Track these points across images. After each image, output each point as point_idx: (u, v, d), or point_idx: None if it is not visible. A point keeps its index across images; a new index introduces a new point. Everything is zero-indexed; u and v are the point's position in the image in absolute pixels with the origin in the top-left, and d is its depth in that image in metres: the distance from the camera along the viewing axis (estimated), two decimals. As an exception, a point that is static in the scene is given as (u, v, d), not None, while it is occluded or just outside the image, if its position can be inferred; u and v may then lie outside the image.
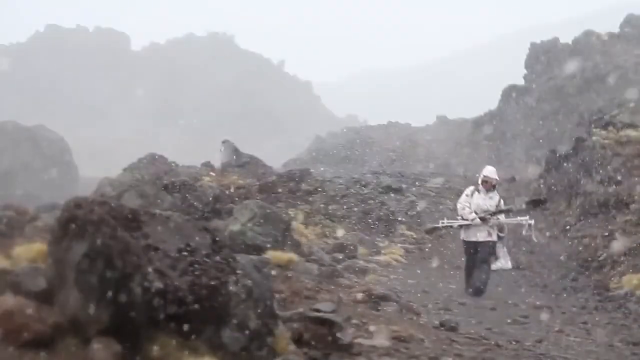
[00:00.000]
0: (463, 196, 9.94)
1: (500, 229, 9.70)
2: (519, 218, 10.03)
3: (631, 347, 5.89)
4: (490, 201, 9.68)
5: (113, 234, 2.95)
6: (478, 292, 9.25)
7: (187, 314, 3.01)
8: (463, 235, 9.83)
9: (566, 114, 37.61)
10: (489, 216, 9.49)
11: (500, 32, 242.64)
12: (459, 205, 9.85)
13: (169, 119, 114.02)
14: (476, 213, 9.56)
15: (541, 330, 6.71)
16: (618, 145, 17.70)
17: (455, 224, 10.01)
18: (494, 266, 9.68)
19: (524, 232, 10.12)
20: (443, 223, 10.43)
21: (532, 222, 9.89)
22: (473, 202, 9.67)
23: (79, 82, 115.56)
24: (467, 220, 9.62)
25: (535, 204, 10.67)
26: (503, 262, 9.69)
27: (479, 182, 9.79)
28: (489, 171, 9.85)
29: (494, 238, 9.60)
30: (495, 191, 9.87)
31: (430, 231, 11.92)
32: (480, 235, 9.53)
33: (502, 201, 9.80)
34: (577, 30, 49.30)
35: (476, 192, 9.75)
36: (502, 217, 9.75)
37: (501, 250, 9.70)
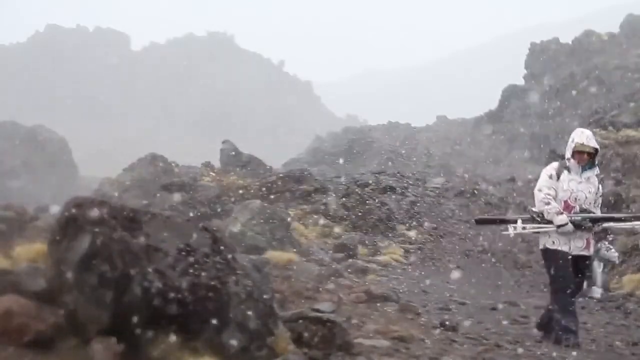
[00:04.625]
0: (543, 178, 5.98)
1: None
2: (636, 223, 6.42)
3: (631, 347, 5.89)
4: (587, 186, 5.92)
5: (113, 234, 2.95)
6: (567, 331, 5.67)
7: (187, 314, 3.01)
8: (545, 240, 5.92)
9: (566, 114, 37.60)
10: (590, 223, 5.84)
11: (500, 32, 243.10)
12: (538, 195, 5.94)
13: (169, 119, 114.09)
14: (568, 204, 5.85)
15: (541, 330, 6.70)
16: (618, 145, 17.74)
17: (529, 228, 6.06)
18: (594, 293, 6.11)
19: None
20: (514, 228, 6.12)
21: None
22: (560, 187, 5.90)
23: (79, 82, 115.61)
24: (551, 224, 5.83)
25: None
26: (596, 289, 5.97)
27: (568, 154, 5.95)
28: (585, 136, 5.90)
29: (591, 251, 6.14)
30: (595, 168, 6.04)
31: (481, 222, 8.17)
32: (576, 245, 5.84)
33: (601, 187, 6.19)
34: (577, 30, 49.40)
35: (565, 172, 5.93)
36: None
37: (598, 269, 6.14)
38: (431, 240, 15.90)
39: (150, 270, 2.97)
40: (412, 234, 16.35)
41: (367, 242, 13.34)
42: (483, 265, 13.37)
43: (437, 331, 5.61)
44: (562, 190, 5.87)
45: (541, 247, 6.01)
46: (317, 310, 4.43)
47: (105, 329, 2.83)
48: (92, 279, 2.86)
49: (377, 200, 17.13)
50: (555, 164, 6.08)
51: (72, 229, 2.99)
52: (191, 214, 13.15)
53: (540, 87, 43.43)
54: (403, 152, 43.57)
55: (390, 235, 15.40)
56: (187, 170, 21.64)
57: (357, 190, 18.02)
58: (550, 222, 5.79)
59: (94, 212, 3.00)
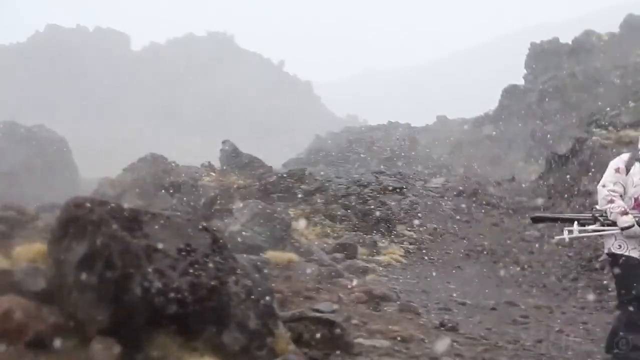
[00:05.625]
0: (609, 171, 5.01)
1: None
2: None
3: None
4: None
5: (113, 234, 2.95)
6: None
7: (187, 314, 3.01)
8: (611, 244, 4.89)
9: (566, 114, 37.59)
10: None
11: (500, 32, 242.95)
12: (601, 192, 4.94)
13: (169, 119, 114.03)
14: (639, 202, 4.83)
15: (541, 330, 6.72)
16: (618, 145, 17.73)
17: (590, 231, 4.98)
18: None
19: None
20: (570, 232, 4.98)
21: None
22: (629, 182, 4.92)
23: (79, 82, 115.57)
24: (615, 225, 4.78)
25: None
26: None
27: None
28: None
29: None
30: None
31: (538, 220, 6.31)
32: None
33: None
34: (577, 30, 49.37)
35: (636, 164, 4.93)
36: None
37: None
38: (431, 240, 15.89)
39: (150, 270, 2.97)
40: (412, 234, 16.35)
41: (367, 242, 13.32)
42: (483, 265, 13.36)
43: (437, 331, 5.62)
44: (632, 185, 4.89)
45: (606, 251, 5.02)
46: (317, 310, 4.44)
47: (105, 329, 2.83)
48: (92, 279, 2.86)
49: (377, 200, 17.12)
50: (625, 156, 5.08)
51: (72, 229, 2.99)
52: (191, 214, 13.15)
53: (540, 87, 43.39)
54: (403, 152, 43.53)
55: (390, 235, 15.39)
56: (187, 170, 21.62)
57: (357, 190, 18.02)
58: (615, 223, 4.81)
59: (94, 212, 3.00)
